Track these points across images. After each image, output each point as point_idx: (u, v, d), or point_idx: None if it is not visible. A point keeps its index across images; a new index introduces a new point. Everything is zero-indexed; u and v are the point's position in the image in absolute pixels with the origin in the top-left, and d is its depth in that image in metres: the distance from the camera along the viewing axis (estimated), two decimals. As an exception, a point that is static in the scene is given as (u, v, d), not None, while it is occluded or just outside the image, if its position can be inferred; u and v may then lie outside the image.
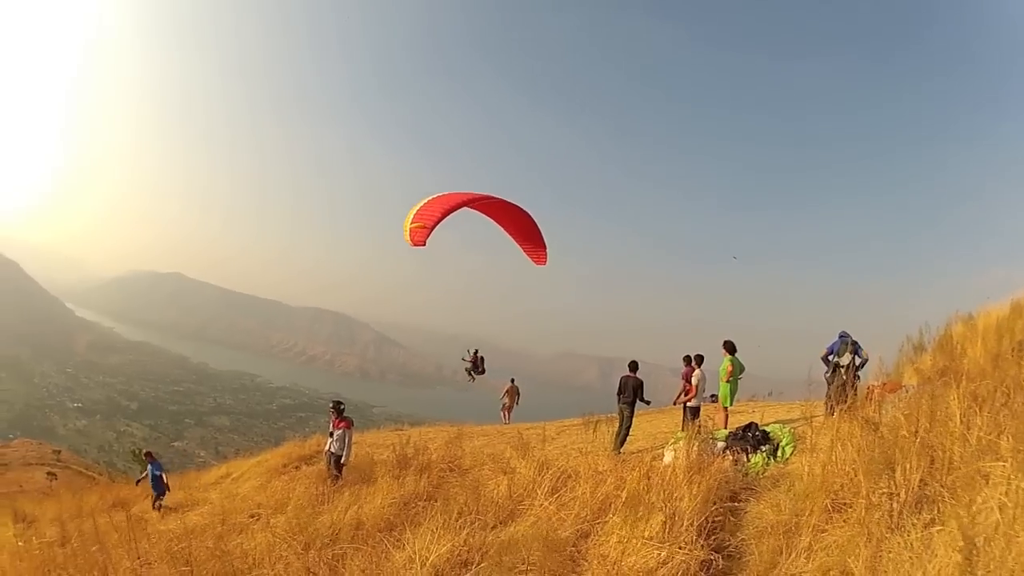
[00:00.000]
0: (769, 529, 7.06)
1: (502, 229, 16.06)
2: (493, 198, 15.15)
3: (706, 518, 7.68)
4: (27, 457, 62.79)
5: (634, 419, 16.47)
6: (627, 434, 16.21)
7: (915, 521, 5.26)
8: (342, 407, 17.02)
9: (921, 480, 5.66)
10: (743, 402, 19.06)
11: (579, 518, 8.67)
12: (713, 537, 7.44)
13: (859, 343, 13.93)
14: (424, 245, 13.11)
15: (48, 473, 51.80)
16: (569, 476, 10.62)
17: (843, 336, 14.11)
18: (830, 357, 14.04)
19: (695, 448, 9.68)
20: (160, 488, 21.83)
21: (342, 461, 16.14)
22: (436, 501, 11.29)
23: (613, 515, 8.20)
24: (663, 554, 6.78)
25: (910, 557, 4.87)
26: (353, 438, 16.96)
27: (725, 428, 14.96)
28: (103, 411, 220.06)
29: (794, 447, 11.44)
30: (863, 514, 5.71)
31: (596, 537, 8.00)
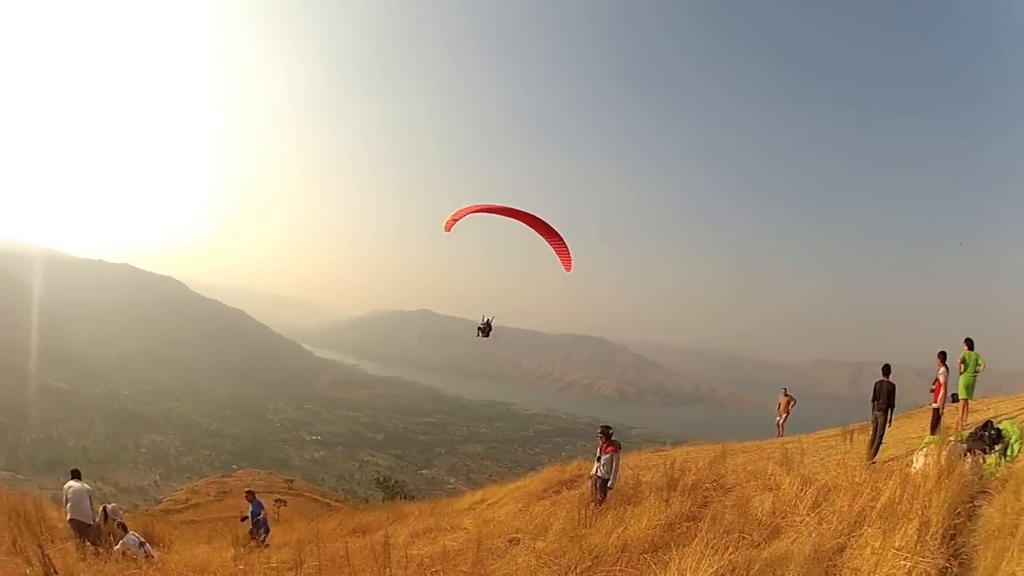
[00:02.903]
0: (996, 532, 7.81)
1: (538, 235, 22.83)
2: (524, 212, 22.37)
3: (949, 524, 8.48)
4: (252, 486, 69.05)
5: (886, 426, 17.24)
6: (880, 442, 16.99)
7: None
8: (611, 431, 18.16)
9: None
10: (976, 401, 19.35)
11: (836, 532, 9.61)
12: (952, 543, 8.22)
13: None
14: (448, 231, 21.65)
15: (276, 500, 56.60)
16: (829, 489, 11.59)
17: None
18: None
19: (943, 452, 10.59)
20: (260, 525, 24.41)
21: (609, 485, 17.28)
22: (702, 521, 12.43)
23: (868, 527, 9.16)
24: (908, 564, 7.65)
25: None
26: (620, 462, 18.22)
27: (964, 420, 15.72)
28: (345, 443, 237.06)
29: (1022, 444, 11.96)
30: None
31: (851, 550, 8.95)
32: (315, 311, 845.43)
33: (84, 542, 18.21)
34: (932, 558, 7.80)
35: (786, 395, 31.50)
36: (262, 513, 24.87)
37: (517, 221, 22.81)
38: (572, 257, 23.40)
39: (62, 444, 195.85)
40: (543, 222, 22.91)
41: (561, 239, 23.10)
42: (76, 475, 19.71)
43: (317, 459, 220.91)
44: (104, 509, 20.86)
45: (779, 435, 29.82)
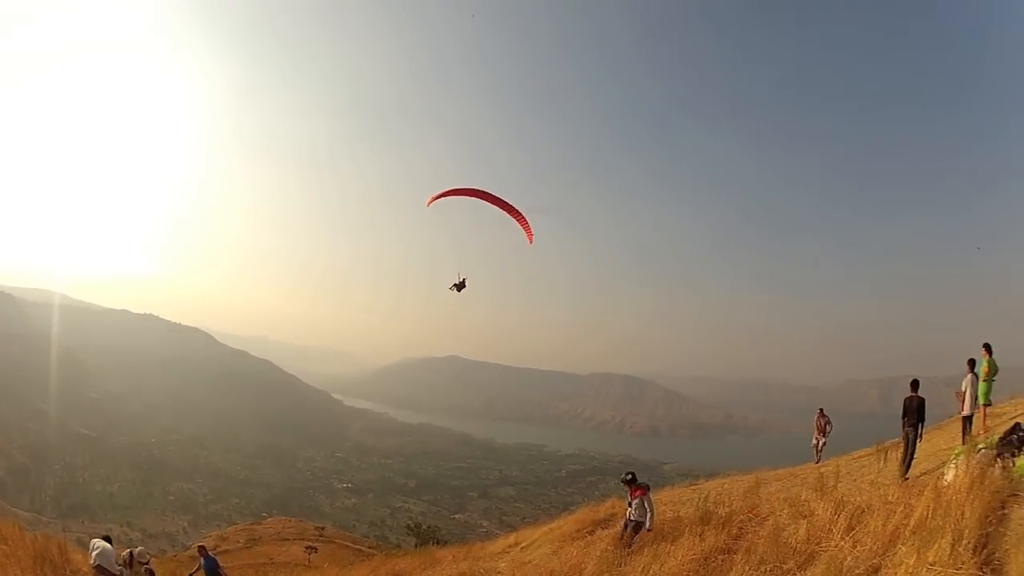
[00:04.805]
0: (1025, 535, 7.67)
1: (504, 212, 27.70)
2: (493, 195, 27.60)
3: (981, 533, 8.50)
4: (282, 533, 69.81)
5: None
6: (912, 457, 17.08)
7: None
8: (630, 476, 18.07)
9: None
10: (1004, 403, 19.64)
11: (872, 552, 9.63)
12: (984, 551, 8.20)
13: None
14: (428, 206, 27.12)
15: (307, 547, 57.33)
16: (863, 511, 11.56)
17: None
18: None
19: (973, 462, 10.65)
20: None
21: (648, 527, 17.13)
22: (737, 553, 12.63)
23: (902, 545, 9.17)
24: (941, 579, 7.57)
25: None
26: (653, 500, 18.12)
27: (983, 424, 16.09)
28: (376, 490, 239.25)
29: None
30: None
31: (886, 570, 9.01)
32: (344, 360, 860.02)
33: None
34: (965, 569, 7.86)
35: (822, 415, 30.77)
36: (220, 571, 24.25)
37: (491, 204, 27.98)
38: (533, 232, 28.31)
39: (88, 489, 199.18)
40: (508, 203, 27.78)
41: (523, 216, 27.94)
42: (107, 540, 19.75)
43: (348, 506, 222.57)
44: (130, 553, 21.01)
45: (816, 459, 29.47)
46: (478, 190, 27.53)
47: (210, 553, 24.93)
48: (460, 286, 28.48)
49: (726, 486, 23.07)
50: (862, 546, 10.19)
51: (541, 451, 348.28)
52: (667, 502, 23.17)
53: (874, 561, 9.49)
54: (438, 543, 46.53)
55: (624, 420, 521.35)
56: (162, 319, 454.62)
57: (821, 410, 31.17)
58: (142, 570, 20.95)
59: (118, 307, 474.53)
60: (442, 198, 27.38)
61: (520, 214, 27.68)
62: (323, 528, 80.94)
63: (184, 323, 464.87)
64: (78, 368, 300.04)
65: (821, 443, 29.88)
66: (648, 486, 18.06)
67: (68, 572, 19.06)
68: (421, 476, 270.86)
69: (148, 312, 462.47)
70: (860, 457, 24.10)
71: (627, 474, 18.27)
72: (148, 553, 24.21)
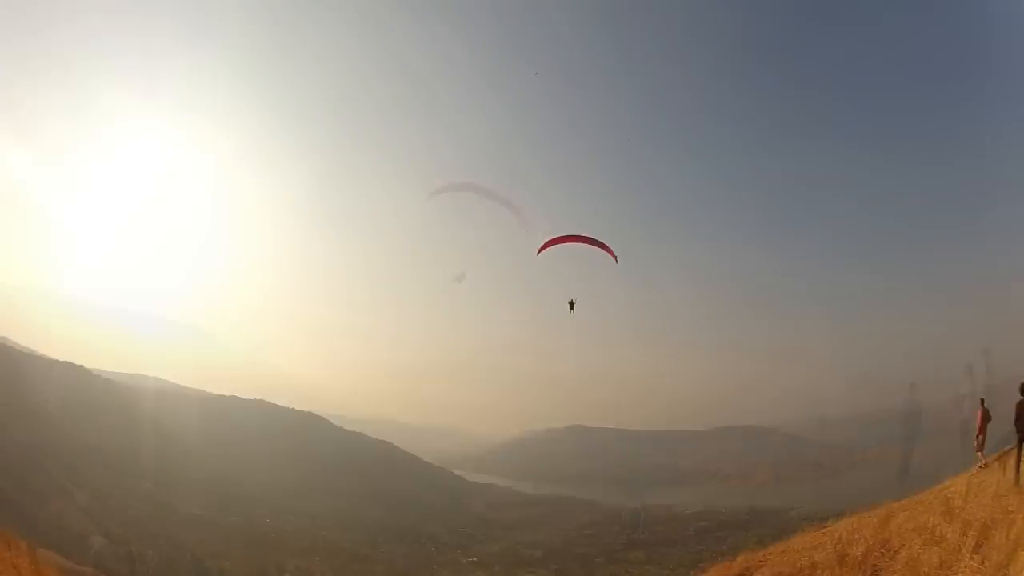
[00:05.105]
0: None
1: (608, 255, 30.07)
2: (594, 240, 30.03)
3: None
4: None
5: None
6: None
7: None
8: None
9: None
10: None
11: (997, 565, 9.91)
12: None
13: None
14: (538, 254, 28.71)
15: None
16: (987, 525, 11.81)
17: None
18: None
19: None
20: None
21: None
22: None
23: (1022, 552, 9.54)
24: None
25: None
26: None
27: None
28: (502, 562, 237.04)
29: None
30: None
31: None
32: (465, 438, 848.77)
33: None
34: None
35: (982, 407, 29.49)
36: None
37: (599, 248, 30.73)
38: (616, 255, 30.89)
39: (197, 565, 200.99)
40: (605, 244, 30.42)
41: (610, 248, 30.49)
42: None
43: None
44: None
45: (980, 457, 28.20)
46: (583, 236, 29.92)
47: None
48: (572, 306, 30.64)
49: (855, 524, 23.20)
50: (989, 561, 10.45)
51: (668, 511, 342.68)
52: (799, 549, 23.16)
53: (1000, 573, 9.79)
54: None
55: (748, 471, 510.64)
56: (273, 403, 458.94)
57: (982, 400, 29.69)
58: None
59: (227, 393, 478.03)
60: (550, 247, 29.77)
61: (608, 247, 30.61)
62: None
63: (296, 407, 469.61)
64: (179, 449, 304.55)
65: (982, 440, 28.86)
66: None
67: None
68: (547, 546, 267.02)
69: (259, 398, 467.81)
70: (982, 469, 23.86)
71: None
72: None
